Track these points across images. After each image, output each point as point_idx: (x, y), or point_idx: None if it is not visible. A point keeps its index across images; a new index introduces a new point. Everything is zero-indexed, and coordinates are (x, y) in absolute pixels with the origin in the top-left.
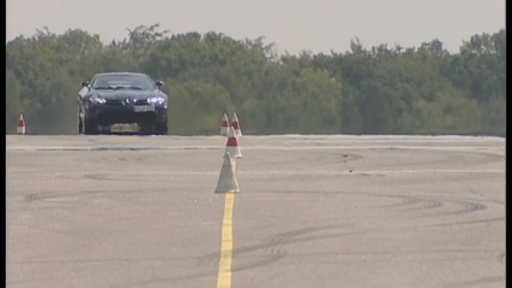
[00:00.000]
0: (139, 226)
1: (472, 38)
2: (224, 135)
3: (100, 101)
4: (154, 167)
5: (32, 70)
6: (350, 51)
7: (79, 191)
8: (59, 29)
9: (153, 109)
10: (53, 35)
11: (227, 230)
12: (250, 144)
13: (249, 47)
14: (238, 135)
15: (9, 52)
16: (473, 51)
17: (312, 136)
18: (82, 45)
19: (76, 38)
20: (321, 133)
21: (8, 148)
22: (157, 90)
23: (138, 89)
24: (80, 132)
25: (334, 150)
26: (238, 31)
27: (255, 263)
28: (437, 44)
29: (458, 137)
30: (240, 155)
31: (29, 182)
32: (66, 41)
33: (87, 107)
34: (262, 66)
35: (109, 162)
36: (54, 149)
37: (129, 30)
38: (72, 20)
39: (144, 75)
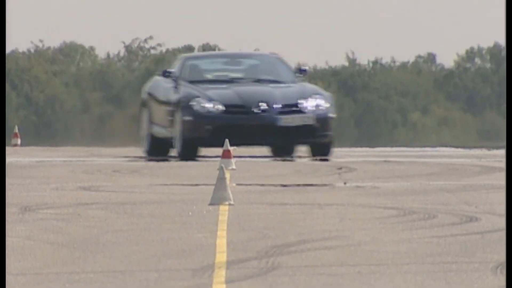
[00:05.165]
0: (134, 238)
1: (466, 51)
2: None
3: (213, 108)
4: (149, 179)
5: (27, 82)
6: (346, 63)
7: (74, 202)
8: (54, 42)
9: (311, 121)
10: (48, 48)
11: (221, 242)
12: (244, 157)
13: None
14: (232, 147)
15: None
16: (468, 65)
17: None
18: (77, 57)
19: (71, 51)
20: None
21: None
22: (305, 83)
23: (273, 82)
24: (149, 153)
25: (329, 163)
26: (232, 43)
27: (249, 275)
28: (431, 57)
29: (452, 149)
30: (234, 167)
31: (24, 193)
32: (61, 53)
33: (187, 117)
34: None
35: (104, 173)
36: (49, 161)
37: (123, 42)
38: (67, 33)
39: (272, 56)
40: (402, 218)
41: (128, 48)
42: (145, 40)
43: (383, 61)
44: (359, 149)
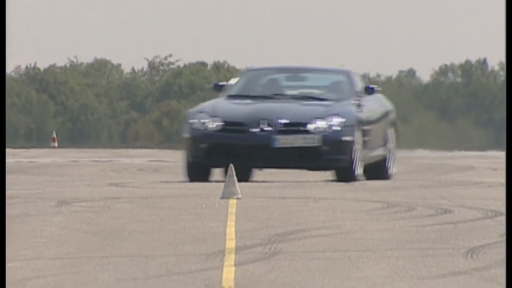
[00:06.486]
0: (156, 227)
1: (440, 67)
2: None
3: (210, 125)
4: (169, 177)
5: (63, 93)
6: None
7: (104, 197)
8: (87, 58)
9: (316, 142)
10: (82, 63)
11: (230, 230)
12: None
13: None
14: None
15: (44, 77)
16: (442, 79)
17: None
18: (107, 72)
19: (101, 66)
20: None
21: (42, 160)
22: (350, 101)
23: (316, 99)
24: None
25: None
26: (240, 60)
27: (255, 259)
28: (412, 72)
29: (428, 152)
30: None
31: (61, 189)
32: (93, 68)
33: (186, 135)
34: None
35: (130, 172)
36: (82, 161)
37: (147, 59)
38: (98, 50)
39: (347, 72)
40: (385, 210)
41: (150, 63)
42: (165, 57)
43: (370, 76)
44: None
